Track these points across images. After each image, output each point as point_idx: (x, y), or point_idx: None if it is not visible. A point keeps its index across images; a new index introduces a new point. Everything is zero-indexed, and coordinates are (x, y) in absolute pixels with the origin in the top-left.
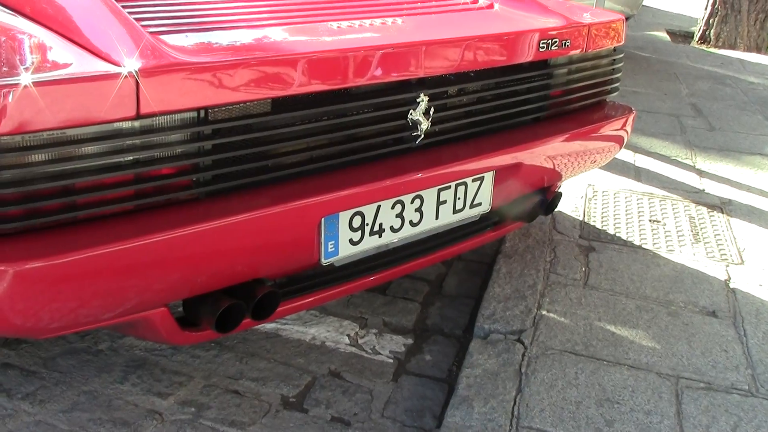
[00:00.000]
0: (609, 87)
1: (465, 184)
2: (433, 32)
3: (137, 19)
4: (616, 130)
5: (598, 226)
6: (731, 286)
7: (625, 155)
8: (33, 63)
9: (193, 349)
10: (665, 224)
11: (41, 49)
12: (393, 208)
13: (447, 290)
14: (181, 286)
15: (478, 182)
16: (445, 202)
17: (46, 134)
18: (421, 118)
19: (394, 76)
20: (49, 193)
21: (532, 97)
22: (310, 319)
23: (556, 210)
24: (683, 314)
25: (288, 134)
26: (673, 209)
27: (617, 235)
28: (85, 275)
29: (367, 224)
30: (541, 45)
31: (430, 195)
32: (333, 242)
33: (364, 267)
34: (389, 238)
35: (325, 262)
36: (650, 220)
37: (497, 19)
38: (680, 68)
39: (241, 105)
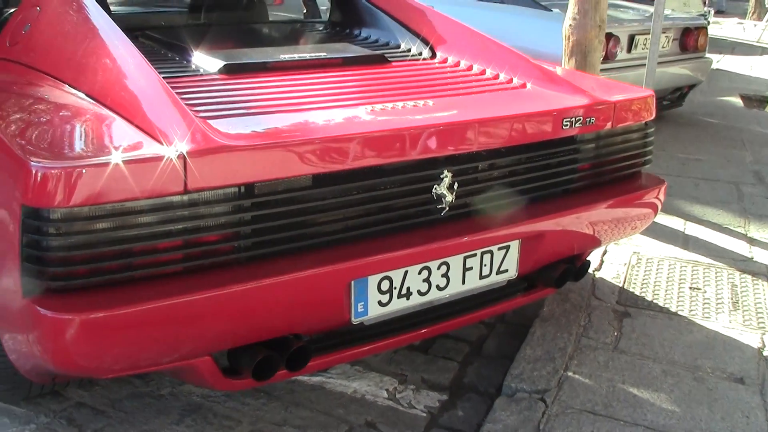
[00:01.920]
0: (640, 159)
1: (491, 252)
2: (457, 114)
3: (189, 105)
4: (645, 202)
5: (637, 292)
6: (764, 354)
7: (675, 223)
8: (100, 145)
9: (243, 397)
10: (705, 292)
11: (108, 131)
12: (420, 273)
13: (486, 351)
14: (222, 339)
15: (504, 250)
16: (471, 268)
17: (109, 206)
18: (445, 192)
19: (420, 155)
20: (110, 255)
21: (558, 171)
22: (354, 374)
23: (597, 276)
24: (709, 380)
25: (321, 206)
26: (716, 277)
27: (654, 301)
28: (138, 326)
29: (395, 288)
30: (564, 123)
31: (456, 262)
32: (362, 303)
33: (394, 327)
34: (416, 301)
35: (355, 321)
36: (690, 288)
37: (526, 98)
38: (748, 134)
39: (277, 181)
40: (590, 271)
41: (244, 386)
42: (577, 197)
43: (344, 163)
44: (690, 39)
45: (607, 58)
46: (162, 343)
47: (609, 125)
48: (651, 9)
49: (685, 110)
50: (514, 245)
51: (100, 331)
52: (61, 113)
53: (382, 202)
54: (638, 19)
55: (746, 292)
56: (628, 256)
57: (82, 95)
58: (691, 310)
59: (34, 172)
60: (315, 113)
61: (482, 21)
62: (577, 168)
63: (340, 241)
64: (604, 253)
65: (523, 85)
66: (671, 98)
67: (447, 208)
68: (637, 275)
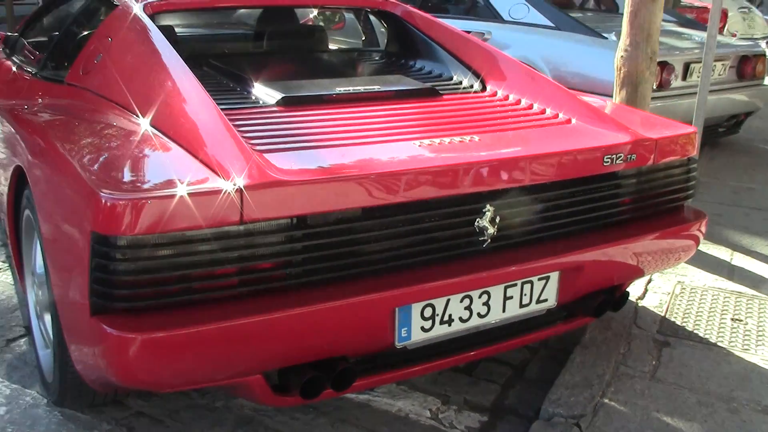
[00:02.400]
0: (682, 194)
1: (531, 282)
2: (502, 150)
3: (247, 138)
4: (684, 235)
5: (679, 322)
6: None
7: (722, 253)
8: (164, 176)
9: (293, 412)
10: (746, 323)
11: (172, 163)
12: (461, 301)
13: (528, 375)
14: (273, 359)
15: (544, 281)
16: (511, 297)
17: (171, 234)
18: (487, 225)
19: (463, 190)
20: (171, 279)
21: (599, 206)
22: (399, 393)
23: (640, 304)
24: (743, 411)
25: (368, 237)
26: (759, 309)
27: (695, 331)
28: (195, 346)
29: (437, 314)
30: (605, 160)
31: (496, 291)
32: (406, 329)
33: (436, 351)
34: (458, 327)
35: (398, 345)
36: (732, 319)
37: (570, 134)
38: None
39: (328, 213)
40: (633, 299)
41: (292, 403)
42: (617, 230)
43: (392, 197)
44: (747, 66)
45: (661, 86)
46: (217, 362)
47: (650, 161)
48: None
49: (742, 137)
50: (554, 276)
51: (160, 350)
52: (128, 143)
53: (427, 233)
54: (694, 47)
55: None
56: (672, 285)
57: (148, 126)
58: (731, 342)
59: (103, 201)
60: (366, 148)
61: (540, 47)
62: (618, 202)
63: (386, 269)
64: (649, 281)
65: (568, 121)
66: (727, 125)
67: (489, 240)
68: (679, 305)
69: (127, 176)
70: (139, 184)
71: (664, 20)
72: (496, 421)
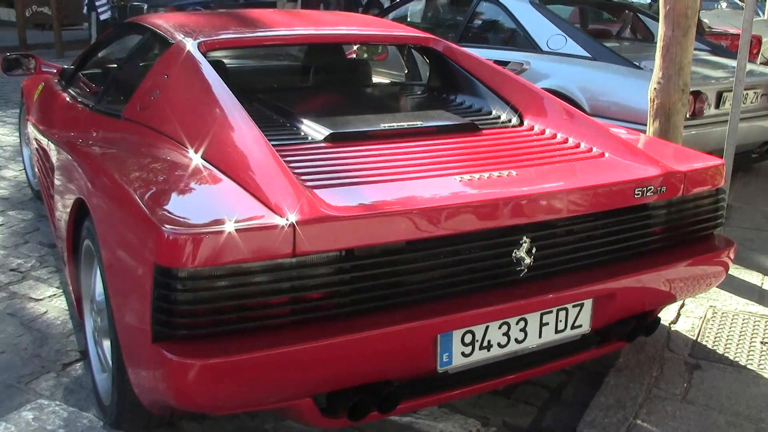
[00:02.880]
0: (711, 223)
1: (566, 309)
2: (538, 185)
3: (298, 174)
4: (713, 262)
5: (710, 345)
6: None
7: (753, 278)
8: (221, 212)
9: None
10: None
11: (228, 199)
12: (500, 328)
13: (565, 397)
14: (322, 383)
15: (578, 308)
16: (547, 324)
17: (228, 267)
18: (524, 255)
19: (501, 223)
20: (228, 309)
21: (630, 236)
22: (440, 415)
23: (673, 328)
24: None
25: (412, 268)
26: None
27: (726, 354)
28: (250, 371)
29: (477, 341)
30: (636, 192)
31: (533, 318)
32: (447, 354)
33: (476, 375)
34: (496, 353)
35: (440, 370)
36: (761, 342)
37: (602, 168)
38: None
39: (374, 246)
40: (666, 323)
41: (339, 425)
42: (648, 258)
43: (434, 230)
44: None
45: (694, 115)
46: (270, 386)
47: (680, 193)
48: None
49: None
50: (588, 303)
51: (217, 375)
52: (186, 178)
53: (467, 264)
54: (727, 75)
55: None
56: (704, 309)
57: (204, 162)
58: (760, 364)
59: (166, 235)
60: (409, 183)
61: (577, 77)
62: (648, 232)
63: (429, 298)
64: (682, 306)
65: (602, 155)
66: (760, 152)
67: (525, 270)
68: (711, 329)
69: (187, 211)
70: (198, 220)
71: (697, 49)
72: None
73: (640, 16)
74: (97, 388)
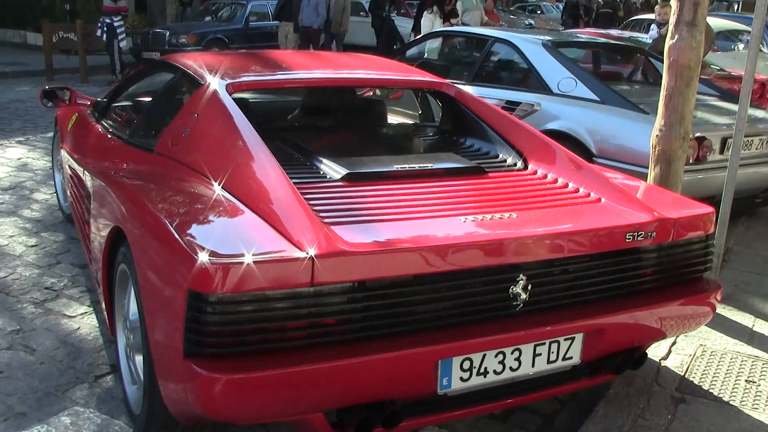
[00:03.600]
0: (700, 267)
1: (558, 342)
2: (536, 227)
3: (317, 211)
4: (699, 304)
5: (696, 381)
6: None
7: (745, 320)
8: (248, 244)
9: None
10: (759, 385)
11: (254, 233)
12: (496, 356)
13: (557, 424)
14: (333, 400)
15: (570, 341)
16: (540, 354)
17: (253, 293)
18: (520, 291)
19: (499, 262)
20: (251, 330)
21: (621, 276)
22: None
23: (663, 364)
24: None
25: (418, 300)
26: None
27: (710, 390)
28: (269, 386)
29: (475, 367)
30: (628, 237)
31: (527, 348)
32: (447, 378)
33: (474, 398)
34: (492, 379)
35: (440, 392)
36: (746, 381)
37: (597, 213)
38: None
39: (384, 279)
40: (657, 359)
41: None
42: (637, 298)
43: (438, 266)
44: None
45: (698, 160)
46: (286, 401)
47: (670, 238)
48: (757, 112)
49: None
50: (579, 337)
51: (240, 389)
52: (216, 212)
53: (467, 298)
54: (733, 122)
55: None
56: (694, 347)
57: (231, 196)
58: (742, 401)
59: (199, 264)
60: (418, 222)
61: (585, 120)
62: (639, 273)
63: (432, 327)
64: (673, 343)
65: (598, 200)
66: (764, 196)
67: (521, 305)
68: (699, 366)
69: (218, 243)
70: (228, 251)
71: (705, 94)
72: None
73: (651, 60)
74: (127, 398)
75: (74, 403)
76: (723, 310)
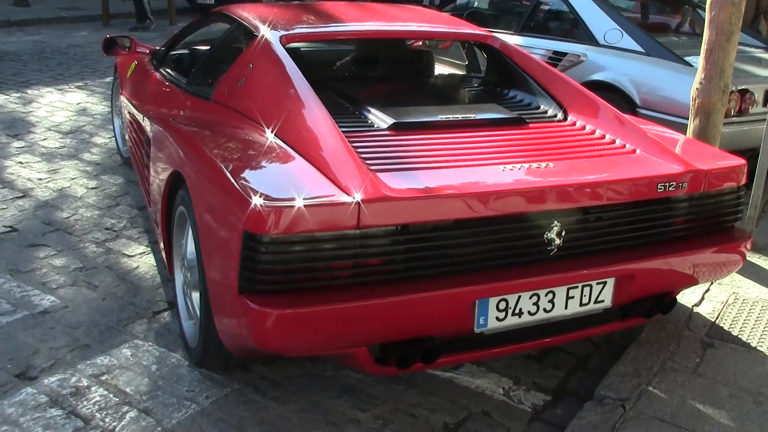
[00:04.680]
0: (730, 217)
1: (590, 285)
2: (571, 176)
3: (364, 158)
4: (728, 252)
5: (726, 327)
6: None
7: None
8: (299, 189)
9: (389, 383)
10: None
11: (305, 178)
12: (530, 298)
13: (590, 365)
14: (376, 335)
15: (602, 285)
16: (573, 297)
17: (303, 235)
18: (554, 237)
19: (535, 209)
20: (301, 269)
21: (652, 225)
22: (478, 373)
23: (695, 310)
24: (766, 404)
25: (458, 243)
26: None
27: (739, 336)
28: (317, 322)
29: (510, 308)
30: (659, 187)
31: (560, 291)
32: (484, 317)
33: (509, 338)
34: (526, 319)
35: (477, 330)
36: None
37: (631, 163)
38: None
39: (426, 223)
40: (690, 305)
41: (389, 372)
42: (666, 246)
43: (477, 212)
44: None
45: (740, 112)
46: (332, 335)
47: (701, 189)
48: None
49: None
50: (610, 282)
51: (290, 323)
52: (269, 158)
53: (503, 242)
54: None
55: None
56: (726, 295)
57: (283, 144)
58: None
59: (252, 206)
60: (459, 171)
61: (629, 72)
62: (669, 222)
63: (470, 269)
64: (707, 290)
65: (633, 151)
66: None
67: (555, 250)
68: (730, 312)
69: (271, 187)
70: (280, 194)
71: (752, 45)
72: (557, 400)
73: (699, 11)
74: (184, 332)
75: (134, 337)
76: (758, 260)
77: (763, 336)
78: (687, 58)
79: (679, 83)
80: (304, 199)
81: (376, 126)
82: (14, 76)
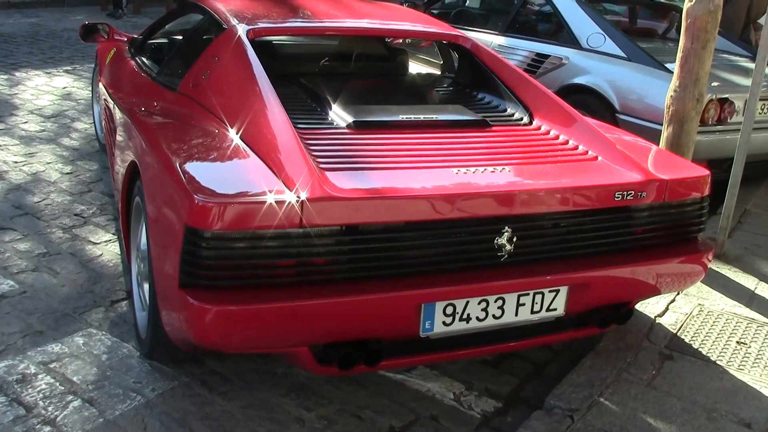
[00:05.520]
0: (693, 228)
1: (542, 293)
2: (525, 181)
3: (315, 157)
4: (688, 263)
5: (687, 340)
6: None
7: (748, 282)
8: (244, 185)
9: (339, 382)
10: (750, 346)
11: (252, 174)
12: (479, 304)
13: (547, 372)
14: (318, 336)
15: (554, 293)
16: (524, 304)
17: (245, 231)
18: (505, 243)
19: (485, 213)
20: (243, 266)
21: (609, 233)
22: (431, 376)
23: (658, 321)
24: (720, 420)
25: (404, 245)
26: (766, 336)
27: (699, 349)
28: (256, 319)
29: (458, 313)
30: (617, 195)
31: (511, 298)
32: (429, 322)
33: (457, 343)
34: (475, 325)
35: (422, 334)
36: (737, 342)
37: (591, 170)
38: None
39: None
40: (652, 316)
41: (331, 373)
42: (625, 255)
43: (425, 215)
44: None
45: (720, 121)
46: (273, 334)
47: (661, 198)
48: None
49: None
50: (563, 290)
51: (229, 320)
52: (220, 153)
53: (452, 246)
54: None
55: None
56: (692, 306)
57: (238, 139)
58: (729, 362)
59: (196, 202)
60: (412, 172)
61: (610, 76)
62: (628, 231)
63: (417, 272)
64: (672, 301)
65: (595, 158)
66: None
67: (506, 255)
68: (693, 325)
69: (217, 182)
70: (224, 190)
71: (738, 54)
72: (509, 408)
73: None
74: (137, 323)
75: (89, 326)
76: (728, 272)
77: (725, 350)
78: (669, 65)
79: (659, 90)
80: (248, 195)
81: (335, 124)
82: (5, 58)
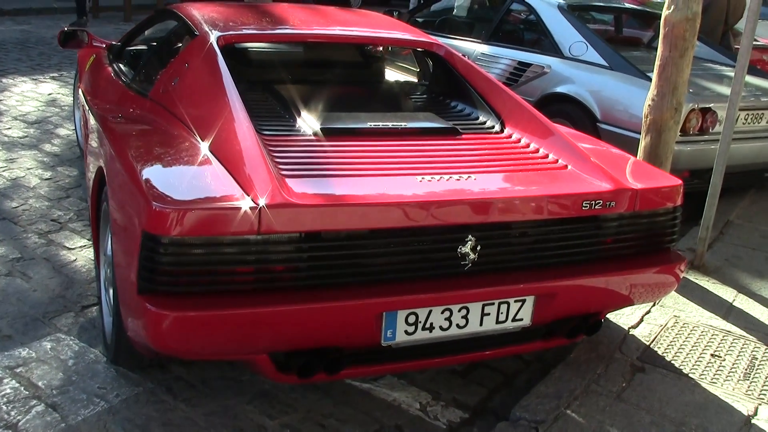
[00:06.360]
0: (665, 238)
1: (508, 303)
2: (489, 190)
3: (277, 164)
4: (659, 274)
5: (660, 352)
6: (752, 421)
7: (726, 294)
8: (203, 192)
9: (305, 390)
10: (724, 359)
11: (212, 182)
12: (442, 313)
13: (516, 383)
14: (278, 343)
15: (520, 303)
16: (489, 314)
17: (202, 238)
18: (468, 251)
19: (448, 222)
20: (200, 272)
21: (577, 243)
22: (398, 385)
23: (631, 332)
24: None
25: (365, 253)
26: (741, 348)
27: (672, 362)
28: (214, 326)
29: (420, 322)
30: (584, 205)
31: (475, 307)
32: (391, 330)
33: (420, 352)
34: (438, 334)
35: (384, 344)
36: (711, 355)
37: (559, 179)
38: None
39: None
40: (626, 327)
41: (291, 381)
42: (594, 265)
43: (386, 222)
44: None
45: (702, 131)
46: (231, 341)
47: (631, 208)
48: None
49: None
50: (530, 300)
51: (187, 326)
52: (183, 160)
53: (414, 254)
54: (745, 95)
55: (763, 366)
56: (667, 318)
57: (202, 146)
58: (702, 374)
59: (153, 208)
60: (375, 180)
61: (591, 85)
62: (597, 241)
63: (378, 280)
64: (647, 312)
65: (564, 167)
66: None
67: (470, 264)
68: (667, 337)
69: (175, 189)
70: (182, 197)
71: (722, 64)
72: (475, 419)
73: None
74: (104, 329)
75: (58, 330)
76: (707, 284)
77: (698, 363)
78: (650, 74)
79: (640, 99)
80: (206, 202)
81: (303, 131)
82: None
